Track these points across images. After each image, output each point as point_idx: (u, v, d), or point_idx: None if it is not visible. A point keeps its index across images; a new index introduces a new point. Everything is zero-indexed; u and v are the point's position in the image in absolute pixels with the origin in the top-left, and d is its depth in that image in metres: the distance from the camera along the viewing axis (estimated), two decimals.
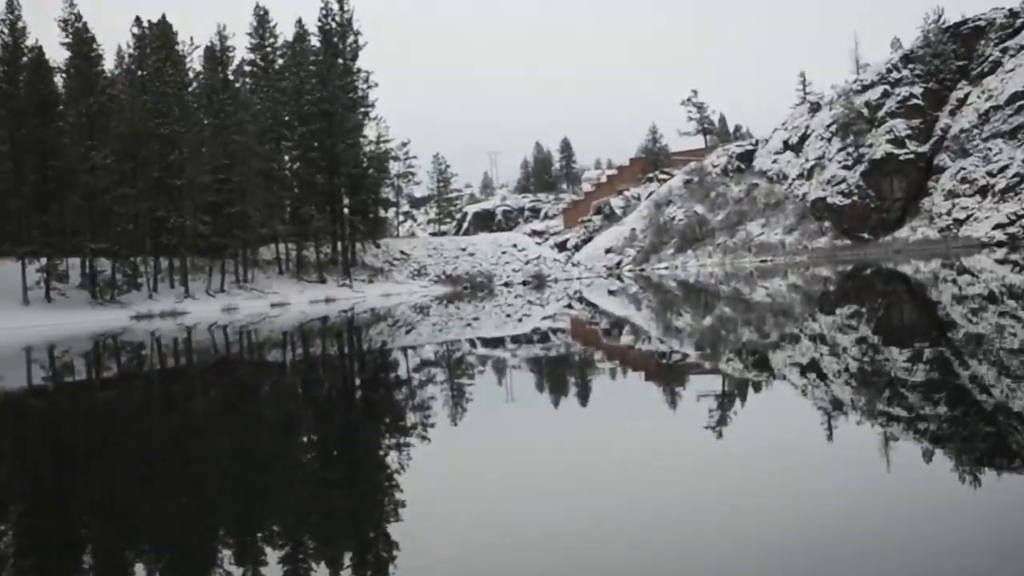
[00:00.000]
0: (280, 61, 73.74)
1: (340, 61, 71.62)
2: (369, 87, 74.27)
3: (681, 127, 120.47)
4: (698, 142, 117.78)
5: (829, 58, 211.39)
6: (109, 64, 65.48)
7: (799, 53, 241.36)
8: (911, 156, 76.76)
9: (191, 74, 66.32)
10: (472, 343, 22.42)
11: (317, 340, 28.50)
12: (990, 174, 71.18)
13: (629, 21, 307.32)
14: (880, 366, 12.76)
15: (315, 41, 72.58)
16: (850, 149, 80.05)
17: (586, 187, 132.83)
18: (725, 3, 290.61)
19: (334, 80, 69.18)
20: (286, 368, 20.54)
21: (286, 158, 70.55)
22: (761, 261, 78.50)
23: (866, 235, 77.05)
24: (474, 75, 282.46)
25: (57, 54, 61.43)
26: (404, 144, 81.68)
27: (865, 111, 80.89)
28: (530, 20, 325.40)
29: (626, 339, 20.95)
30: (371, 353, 22.31)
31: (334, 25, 72.44)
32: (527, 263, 78.69)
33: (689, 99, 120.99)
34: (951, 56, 79.52)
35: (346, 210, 71.31)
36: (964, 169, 73.14)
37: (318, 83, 68.81)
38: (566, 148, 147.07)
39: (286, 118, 68.88)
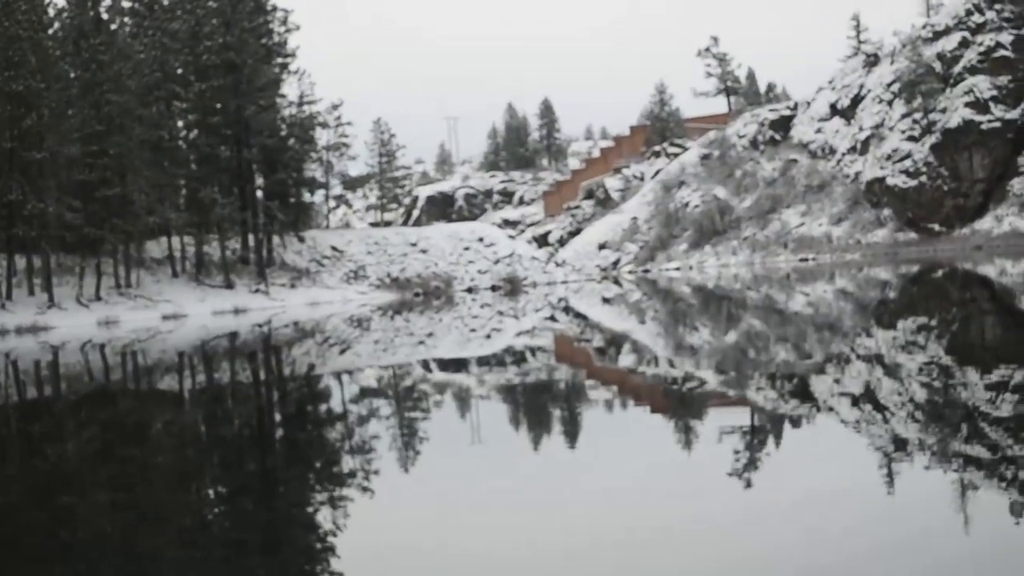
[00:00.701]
0: None
1: None
2: (288, 30, 74.26)
3: (698, 86, 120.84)
4: (719, 105, 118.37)
5: None
6: None
7: None
8: (997, 124, 77.05)
9: (52, 11, 65.96)
10: (426, 366, 22.44)
11: (224, 363, 28.42)
12: None
13: None
14: (955, 396, 12.91)
15: None
16: (917, 115, 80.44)
17: (573, 164, 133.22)
18: None
19: (242, 21, 68.95)
20: (183, 400, 20.50)
21: (180, 124, 70.25)
22: (801, 260, 78.98)
23: (937, 227, 77.58)
24: (431, 31, 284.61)
25: None
26: (335, 106, 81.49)
27: (937, 65, 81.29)
28: None
29: (626, 360, 21.04)
30: (295, 380, 22.29)
31: None
32: (497, 262, 78.73)
33: (707, 49, 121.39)
34: None
35: (260, 193, 71.07)
36: None
37: (220, 24, 68.52)
38: (547, 113, 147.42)
39: (179, 71, 68.56)
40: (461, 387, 18.12)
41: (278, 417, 17.06)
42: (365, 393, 18.51)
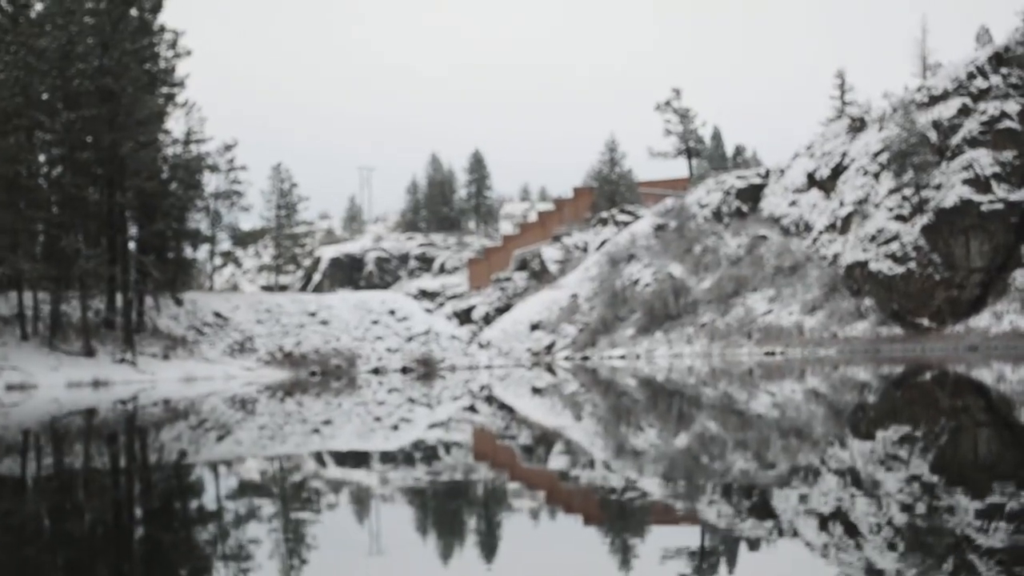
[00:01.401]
0: (39, 5, 73.06)
1: (134, 12, 71.39)
2: (178, 55, 74.21)
3: (655, 144, 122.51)
4: (679, 168, 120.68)
5: (881, 52, 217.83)
6: None
7: (836, 43, 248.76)
8: (999, 206, 78.34)
9: None
10: (320, 459, 22.27)
11: (78, 445, 28.04)
12: None
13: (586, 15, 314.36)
14: (941, 521, 12.98)
15: None
16: (908, 191, 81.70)
17: (506, 228, 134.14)
18: None
19: (123, 41, 68.85)
20: (25, 490, 20.16)
21: (42, 159, 69.79)
22: (766, 353, 79.65)
23: (926, 321, 78.65)
24: (352, 64, 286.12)
25: None
26: (229, 147, 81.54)
27: (933, 135, 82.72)
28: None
29: (557, 463, 21.00)
30: (162, 469, 22.02)
31: None
32: (410, 340, 78.74)
33: (668, 103, 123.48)
34: None
35: (133, 245, 70.67)
36: None
37: (97, 44, 68.40)
38: (477, 167, 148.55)
39: (45, 96, 68.22)
40: (360, 486, 18.00)
41: (139, 513, 16.81)
42: (245, 488, 18.30)
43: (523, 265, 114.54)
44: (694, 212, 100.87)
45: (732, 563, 11.55)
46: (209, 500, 17.31)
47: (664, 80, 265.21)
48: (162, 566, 12.59)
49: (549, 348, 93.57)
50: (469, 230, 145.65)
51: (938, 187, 79.78)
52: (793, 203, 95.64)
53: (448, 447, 24.46)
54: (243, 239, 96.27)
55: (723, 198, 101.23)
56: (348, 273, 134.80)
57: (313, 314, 79.29)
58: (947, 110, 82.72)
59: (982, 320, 75.79)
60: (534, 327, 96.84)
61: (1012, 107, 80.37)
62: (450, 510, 15.80)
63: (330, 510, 15.69)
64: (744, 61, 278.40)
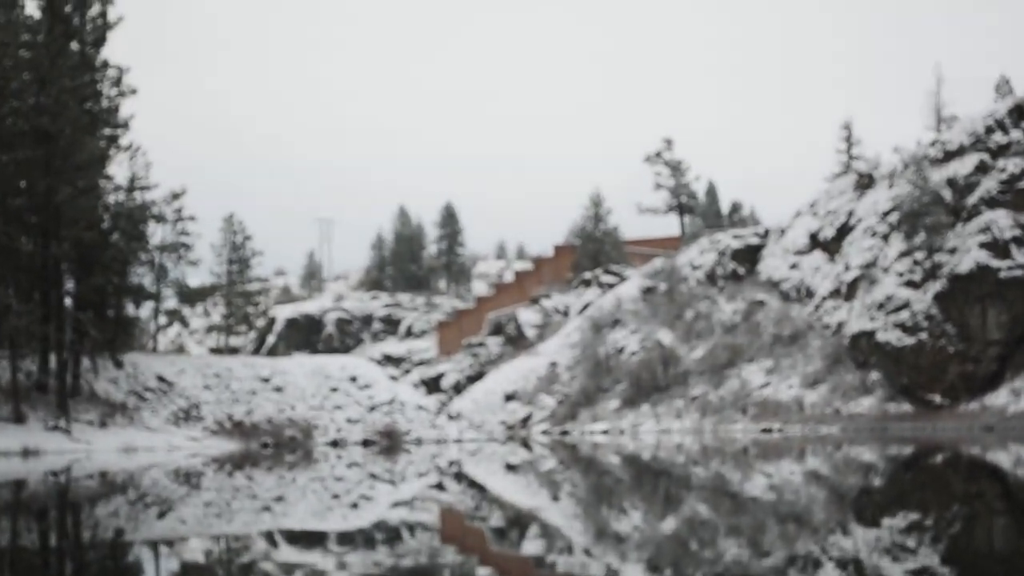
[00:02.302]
0: None
1: (75, 46, 71.52)
2: (122, 93, 74.18)
3: (644, 200, 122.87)
4: (670, 226, 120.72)
5: (892, 104, 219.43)
6: None
7: (843, 93, 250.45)
8: (1019, 273, 78.41)
9: None
10: (271, 540, 22.22)
11: (2, 522, 27.90)
12: None
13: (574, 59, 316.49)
14: None
15: (32, 7, 72.36)
16: (920, 255, 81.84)
17: (479, 289, 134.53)
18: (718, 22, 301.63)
19: (62, 78, 68.81)
20: None
21: None
22: (763, 430, 79.70)
23: (938, 398, 78.67)
24: (314, 110, 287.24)
25: None
26: (176, 195, 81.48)
27: (947, 194, 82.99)
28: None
29: (532, 547, 20.97)
30: (96, 548, 21.94)
31: None
32: (372, 410, 78.66)
33: (658, 154, 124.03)
34: None
35: (69, 300, 70.51)
36: None
37: (33, 81, 68.43)
38: (449, 221, 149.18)
39: None
40: (314, 570, 17.95)
41: None
42: (188, 571, 18.27)
43: (498, 329, 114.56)
44: (686, 274, 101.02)
45: None
46: None
47: (655, 132, 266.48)
48: None
49: (525, 421, 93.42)
50: (439, 290, 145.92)
51: (952, 251, 79.85)
52: (794, 266, 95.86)
53: (412, 528, 24.42)
54: (191, 296, 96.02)
55: (717, 259, 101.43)
56: (305, 335, 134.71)
57: (266, 380, 79.11)
58: (963, 167, 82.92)
59: (999, 398, 75.62)
60: (509, 398, 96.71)
61: None
62: None
63: None
64: (743, 111, 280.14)
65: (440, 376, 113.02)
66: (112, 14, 73.04)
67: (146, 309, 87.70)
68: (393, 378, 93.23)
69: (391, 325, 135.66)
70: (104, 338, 71.13)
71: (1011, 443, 55.49)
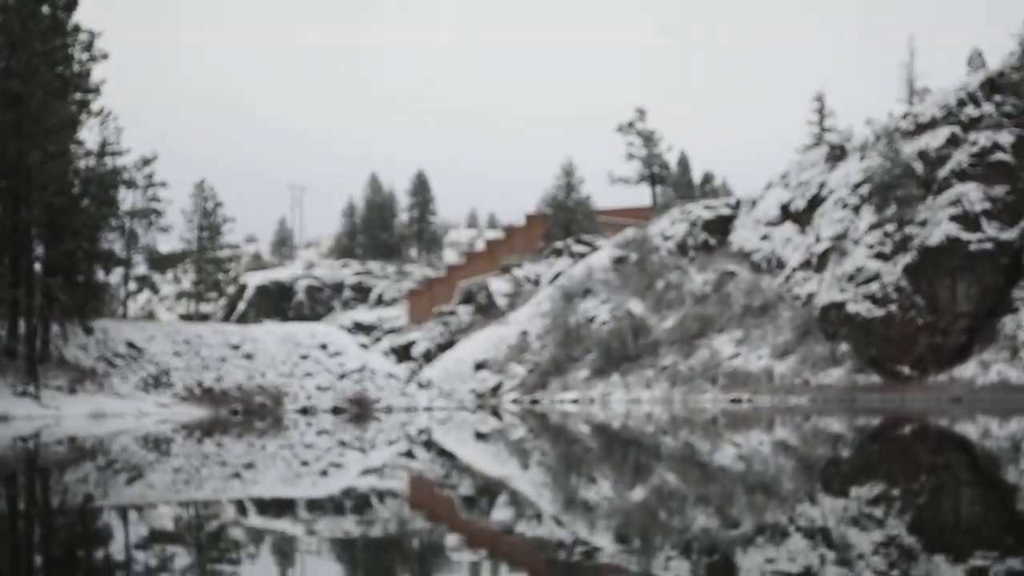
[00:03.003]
0: None
1: (46, 9, 71.12)
2: (93, 58, 73.83)
3: (616, 169, 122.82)
4: (641, 196, 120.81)
5: (865, 75, 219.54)
6: None
7: (816, 64, 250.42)
8: (989, 246, 78.56)
9: None
10: (240, 507, 22.19)
11: None
12: None
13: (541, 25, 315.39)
14: None
15: None
16: (890, 227, 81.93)
17: (450, 257, 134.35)
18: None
19: (32, 41, 68.51)
20: None
21: None
22: (732, 401, 79.87)
23: (907, 370, 78.91)
24: (287, 76, 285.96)
25: None
26: (147, 161, 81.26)
27: (919, 166, 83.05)
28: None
29: (501, 515, 20.99)
30: (65, 514, 21.89)
31: None
32: (342, 377, 78.62)
33: (631, 124, 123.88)
34: None
35: (38, 266, 70.24)
36: None
37: (4, 44, 68.08)
38: (421, 189, 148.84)
39: None
40: (283, 536, 17.93)
41: (39, 561, 16.71)
42: (156, 537, 18.22)
43: (469, 298, 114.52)
44: (657, 244, 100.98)
45: None
46: (117, 549, 17.22)
47: (628, 102, 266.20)
48: None
49: (495, 390, 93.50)
50: (410, 258, 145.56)
51: (923, 223, 79.85)
52: (765, 237, 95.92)
53: (382, 496, 24.42)
54: (161, 262, 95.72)
55: (689, 230, 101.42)
56: (276, 303, 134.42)
57: (236, 347, 78.96)
58: (935, 139, 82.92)
59: (967, 370, 75.83)
60: (479, 366, 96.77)
61: (1006, 138, 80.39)
62: (382, 565, 15.79)
63: (251, 561, 15.65)
64: (715, 82, 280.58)
65: (410, 344, 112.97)
66: None
67: (116, 275, 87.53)
68: (363, 346, 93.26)
69: (362, 293, 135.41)
70: (74, 304, 70.90)
71: (979, 415, 55.68)
